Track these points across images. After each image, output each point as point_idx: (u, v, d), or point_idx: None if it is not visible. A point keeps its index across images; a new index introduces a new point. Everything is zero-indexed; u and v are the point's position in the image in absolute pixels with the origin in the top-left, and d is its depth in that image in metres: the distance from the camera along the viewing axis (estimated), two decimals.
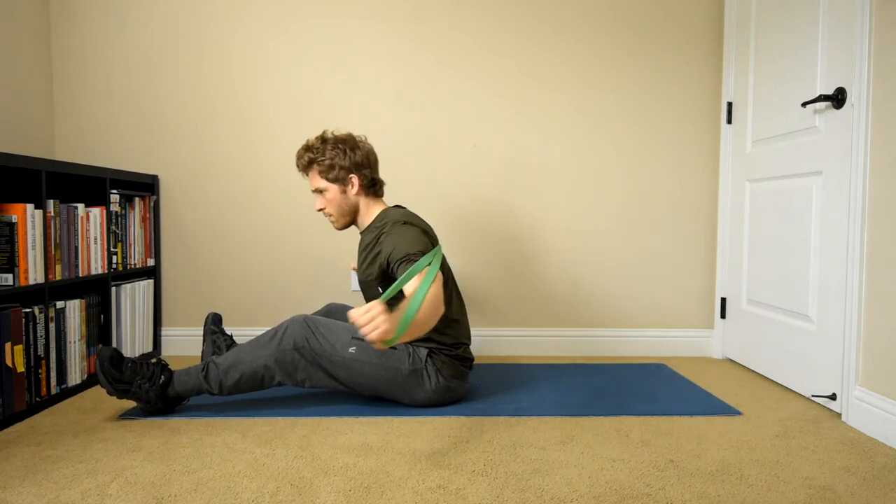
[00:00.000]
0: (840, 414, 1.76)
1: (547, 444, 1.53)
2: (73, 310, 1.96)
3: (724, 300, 2.48)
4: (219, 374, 1.70)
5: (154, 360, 1.73)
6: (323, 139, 1.82)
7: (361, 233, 1.88)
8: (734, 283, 2.39)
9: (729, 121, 2.43)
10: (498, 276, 2.52)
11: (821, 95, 1.80)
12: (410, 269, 1.51)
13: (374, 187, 1.85)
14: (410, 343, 1.77)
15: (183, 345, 2.52)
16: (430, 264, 1.47)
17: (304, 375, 1.71)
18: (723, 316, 2.49)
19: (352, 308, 2.12)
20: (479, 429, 1.64)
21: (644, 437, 1.58)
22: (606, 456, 1.46)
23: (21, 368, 1.70)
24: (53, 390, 1.87)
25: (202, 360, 1.97)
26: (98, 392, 1.99)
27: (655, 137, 2.51)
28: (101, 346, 1.69)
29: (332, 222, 1.87)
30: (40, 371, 1.79)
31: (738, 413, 1.77)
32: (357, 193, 1.83)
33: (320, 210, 1.85)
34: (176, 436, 1.58)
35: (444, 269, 1.81)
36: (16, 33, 2.30)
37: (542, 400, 1.88)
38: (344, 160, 1.79)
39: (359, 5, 2.48)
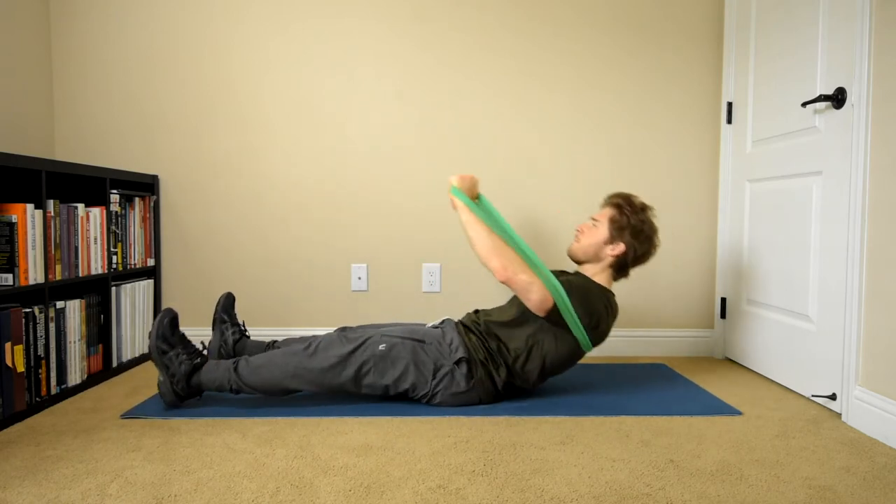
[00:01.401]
0: (840, 414, 1.76)
1: (547, 444, 1.53)
2: (73, 310, 1.96)
3: (724, 300, 2.48)
4: (249, 371, 1.75)
5: (201, 344, 1.86)
6: (643, 208, 1.92)
7: (573, 271, 1.98)
8: (734, 283, 2.39)
9: (729, 121, 2.43)
10: None
11: (821, 95, 1.80)
12: (548, 274, 1.76)
13: (621, 269, 1.94)
14: (462, 341, 1.80)
15: None
16: (556, 289, 1.75)
17: (331, 380, 1.75)
18: (723, 316, 2.49)
19: (363, 325, 2.10)
20: (479, 429, 1.64)
21: (644, 437, 1.58)
22: (606, 456, 1.46)
23: (21, 368, 1.70)
24: (53, 390, 1.87)
25: (208, 350, 1.98)
26: (98, 392, 1.99)
27: (655, 137, 2.51)
28: (167, 307, 1.83)
29: (574, 242, 1.97)
30: (40, 371, 1.79)
31: (738, 413, 1.77)
32: (609, 254, 1.91)
33: (580, 229, 1.96)
34: (176, 436, 1.58)
35: (566, 345, 1.84)
36: (16, 33, 2.30)
37: (542, 400, 1.88)
38: (633, 236, 1.89)
39: (359, 5, 2.48)
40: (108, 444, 1.53)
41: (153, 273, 2.49)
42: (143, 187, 2.46)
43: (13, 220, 1.70)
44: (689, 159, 2.52)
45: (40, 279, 1.80)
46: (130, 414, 1.74)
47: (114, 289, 2.19)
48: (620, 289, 2.53)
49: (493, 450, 1.49)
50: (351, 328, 1.91)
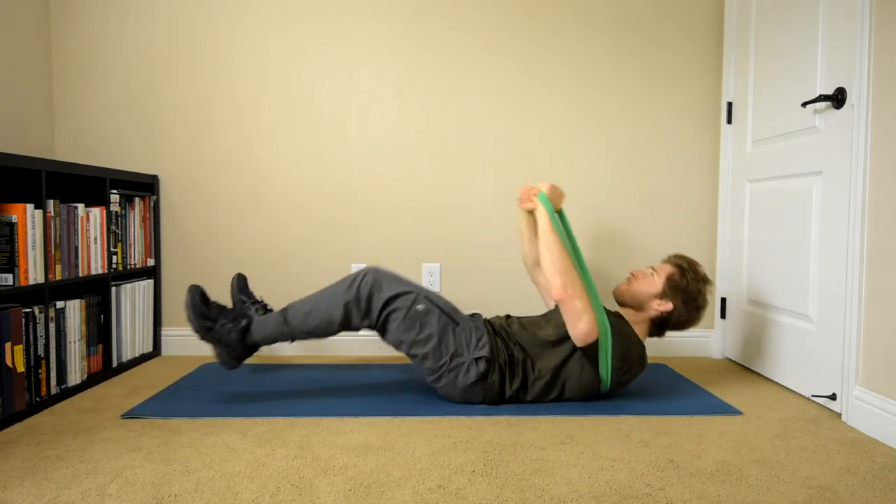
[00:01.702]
0: (840, 414, 1.76)
1: (547, 444, 1.53)
2: (73, 310, 1.96)
3: (724, 300, 2.48)
4: (300, 320, 1.79)
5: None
6: (704, 280, 1.92)
7: (614, 311, 1.96)
8: (734, 283, 2.39)
9: (729, 121, 2.43)
10: (497, 275, 2.52)
11: (821, 95, 1.80)
12: (601, 309, 1.78)
13: (659, 326, 1.94)
14: (493, 340, 1.81)
15: (183, 345, 2.52)
16: (606, 327, 1.76)
17: (375, 317, 1.79)
18: (723, 316, 2.49)
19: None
20: (479, 429, 1.64)
21: (644, 437, 1.58)
22: (606, 456, 1.46)
23: (21, 368, 1.70)
24: (53, 390, 1.87)
25: None
26: (98, 392, 1.99)
27: (655, 137, 2.51)
28: (191, 285, 1.83)
29: (625, 283, 1.97)
30: (40, 371, 1.79)
31: (738, 413, 1.77)
32: (655, 308, 1.90)
33: (634, 274, 1.96)
34: (176, 436, 1.58)
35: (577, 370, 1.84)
36: (16, 33, 2.30)
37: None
38: (683, 301, 1.89)
39: (359, 5, 2.48)
40: (108, 444, 1.53)
41: (153, 273, 2.49)
42: (143, 187, 2.46)
43: (13, 220, 1.70)
44: (689, 159, 2.52)
45: (40, 279, 1.80)
46: (130, 414, 1.74)
47: (114, 289, 2.19)
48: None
49: (493, 450, 1.49)
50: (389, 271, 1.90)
